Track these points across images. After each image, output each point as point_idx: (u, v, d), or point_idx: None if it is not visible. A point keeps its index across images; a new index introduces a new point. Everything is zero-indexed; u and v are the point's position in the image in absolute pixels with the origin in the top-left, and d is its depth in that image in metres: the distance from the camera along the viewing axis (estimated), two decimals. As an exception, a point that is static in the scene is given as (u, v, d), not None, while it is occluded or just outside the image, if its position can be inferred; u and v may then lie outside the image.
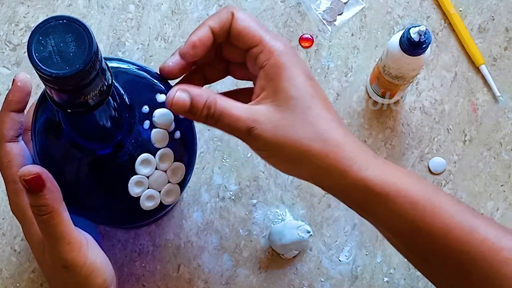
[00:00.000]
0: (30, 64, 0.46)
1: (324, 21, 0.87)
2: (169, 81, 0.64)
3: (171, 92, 0.60)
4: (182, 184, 0.66)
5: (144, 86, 0.63)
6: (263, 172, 0.83)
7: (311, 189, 0.82)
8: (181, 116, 0.64)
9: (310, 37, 0.87)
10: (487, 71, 0.86)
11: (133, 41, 0.86)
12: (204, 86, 0.66)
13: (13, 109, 0.63)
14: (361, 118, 0.85)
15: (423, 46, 0.73)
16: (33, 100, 0.83)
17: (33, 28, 0.47)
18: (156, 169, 0.63)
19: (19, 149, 0.62)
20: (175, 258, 0.80)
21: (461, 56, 0.87)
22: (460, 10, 0.88)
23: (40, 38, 0.46)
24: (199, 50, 0.61)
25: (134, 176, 0.62)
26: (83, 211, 0.63)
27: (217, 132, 0.83)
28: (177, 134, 0.64)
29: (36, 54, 0.46)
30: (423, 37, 0.73)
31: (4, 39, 0.85)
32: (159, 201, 0.64)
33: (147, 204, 0.63)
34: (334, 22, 0.87)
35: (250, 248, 0.81)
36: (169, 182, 0.64)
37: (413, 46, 0.73)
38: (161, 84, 0.64)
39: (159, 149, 0.63)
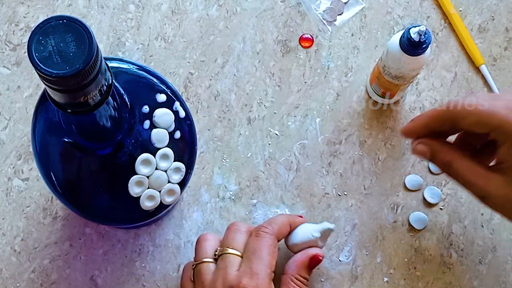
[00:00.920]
0: (30, 64, 0.46)
1: (324, 21, 0.87)
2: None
3: (414, 143, 0.70)
4: (182, 184, 0.66)
5: (144, 86, 0.63)
6: (263, 172, 0.83)
7: (311, 189, 0.82)
8: (181, 116, 0.64)
9: (310, 37, 0.87)
10: (487, 71, 0.86)
11: (133, 41, 0.86)
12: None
13: None
14: (361, 118, 0.85)
15: (423, 46, 0.73)
16: (33, 100, 0.83)
17: (33, 28, 0.47)
18: (156, 169, 0.63)
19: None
20: (175, 258, 0.80)
21: (461, 56, 0.87)
22: (460, 10, 0.88)
23: (40, 38, 0.46)
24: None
25: (134, 176, 0.62)
26: (83, 211, 0.63)
27: (217, 132, 0.83)
28: (177, 134, 0.64)
29: (36, 54, 0.46)
30: (423, 37, 0.73)
31: (4, 39, 0.85)
32: (159, 201, 0.64)
33: (147, 204, 0.63)
34: (334, 22, 0.87)
35: (250, 248, 0.81)
36: (169, 182, 0.64)
37: (413, 46, 0.73)
38: (161, 84, 0.64)
39: (159, 149, 0.63)
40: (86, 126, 0.56)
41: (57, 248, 0.79)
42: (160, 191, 0.64)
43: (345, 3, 0.88)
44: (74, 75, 0.46)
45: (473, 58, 0.86)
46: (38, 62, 0.45)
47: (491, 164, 0.68)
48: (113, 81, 0.52)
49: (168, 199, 0.65)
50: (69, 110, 0.50)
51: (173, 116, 0.63)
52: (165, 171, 0.64)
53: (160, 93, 0.63)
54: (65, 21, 0.47)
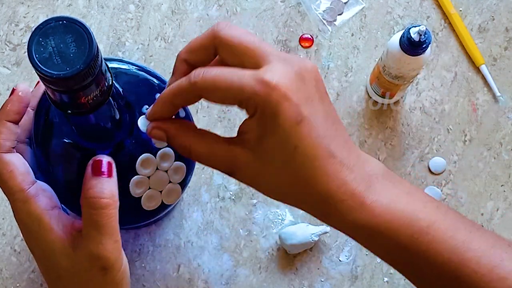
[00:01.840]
0: (30, 64, 0.46)
1: (324, 21, 0.87)
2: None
3: (149, 126, 0.58)
4: (183, 184, 0.66)
5: (144, 86, 0.63)
6: (263, 172, 0.83)
7: (311, 189, 0.82)
8: (181, 115, 0.64)
9: (310, 37, 0.87)
10: (487, 71, 0.86)
11: (133, 41, 0.86)
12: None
13: (11, 119, 0.60)
14: (361, 118, 0.85)
15: (423, 46, 0.73)
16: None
17: (33, 29, 0.47)
18: (157, 169, 0.63)
19: (18, 159, 0.60)
20: (175, 258, 0.80)
21: (461, 56, 0.87)
22: (460, 10, 0.88)
23: (40, 39, 0.46)
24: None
25: (135, 177, 0.62)
26: None
27: (217, 132, 0.82)
28: (177, 134, 0.64)
29: (37, 55, 0.46)
30: (423, 37, 0.73)
31: (4, 39, 0.85)
32: (160, 201, 0.64)
33: (148, 204, 0.63)
34: (334, 22, 0.87)
35: (250, 248, 0.81)
36: (170, 182, 0.64)
37: (413, 46, 0.73)
38: (161, 84, 0.64)
39: (160, 149, 0.63)
40: (86, 127, 0.56)
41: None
42: (161, 191, 0.64)
43: (345, 3, 0.88)
44: (75, 76, 0.46)
45: (473, 58, 0.86)
46: (39, 63, 0.45)
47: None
48: (113, 81, 0.52)
49: (169, 199, 0.65)
50: (69, 111, 0.50)
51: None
52: (166, 171, 0.64)
53: (160, 93, 0.63)
54: (65, 22, 0.47)
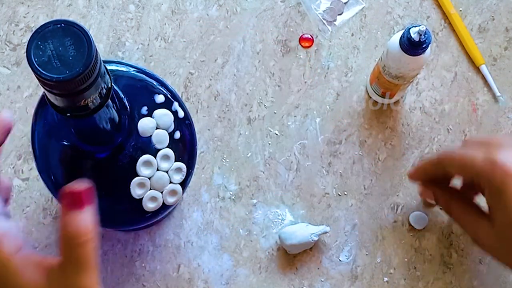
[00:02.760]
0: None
1: (324, 21, 0.87)
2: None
3: (419, 188, 0.80)
4: (184, 184, 0.66)
5: (143, 88, 0.63)
6: (263, 172, 0.83)
7: (311, 189, 0.82)
8: (180, 116, 0.64)
9: (310, 37, 0.87)
10: (487, 71, 0.86)
11: (133, 41, 0.86)
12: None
13: None
14: (361, 118, 0.85)
15: (423, 46, 0.73)
16: (33, 100, 0.83)
17: (31, 34, 0.47)
18: (157, 170, 0.63)
19: None
20: (175, 258, 0.80)
21: (461, 56, 0.87)
22: (460, 10, 0.88)
23: (39, 43, 0.46)
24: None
25: (136, 178, 0.62)
26: None
27: (217, 132, 0.83)
28: (177, 134, 0.64)
29: (36, 59, 0.46)
30: (423, 37, 0.73)
31: (4, 39, 0.85)
32: (162, 202, 0.64)
33: (149, 205, 0.63)
34: (334, 22, 0.87)
35: (250, 248, 0.81)
36: (171, 182, 0.64)
37: (413, 46, 0.73)
38: (159, 85, 0.64)
39: (160, 149, 0.63)
40: (86, 130, 0.56)
41: (57, 248, 0.79)
42: (162, 192, 0.64)
43: (345, 3, 0.88)
44: (74, 79, 0.46)
45: (473, 58, 0.86)
46: (38, 67, 0.45)
47: None
48: (112, 84, 0.52)
49: (170, 200, 0.65)
50: (69, 114, 0.50)
51: (172, 116, 0.63)
52: (167, 172, 0.64)
53: (158, 94, 0.63)
54: (63, 25, 0.47)
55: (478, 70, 0.86)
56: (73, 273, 0.54)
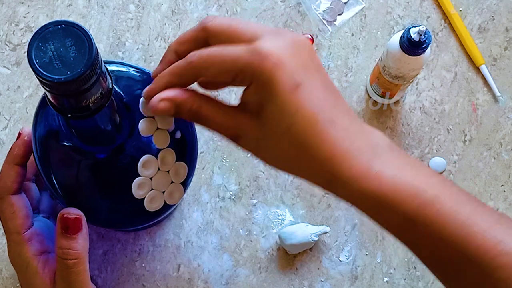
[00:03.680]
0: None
1: (324, 21, 0.87)
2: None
3: (154, 100, 0.57)
4: (185, 184, 0.66)
5: (143, 88, 0.63)
6: (263, 172, 0.83)
7: (311, 189, 0.82)
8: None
9: (310, 37, 0.87)
10: (487, 71, 0.86)
11: (133, 41, 0.86)
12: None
13: (18, 162, 0.66)
14: (361, 118, 0.85)
15: (423, 46, 0.73)
16: (33, 100, 0.83)
17: (32, 34, 0.47)
18: (158, 169, 0.63)
19: (23, 202, 0.66)
20: (175, 258, 0.80)
21: (461, 56, 0.87)
22: (460, 10, 0.88)
23: (40, 44, 0.46)
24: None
25: (137, 178, 0.62)
26: (87, 215, 0.63)
27: (217, 132, 0.83)
28: (178, 134, 0.64)
29: (37, 60, 0.46)
30: (423, 37, 0.73)
31: (4, 39, 0.85)
32: (163, 202, 0.64)
33: (151, 206, 0.63)
34: (334, 22, 0.87)
35: (250, 248, 0.81)
36: (172, 182, 0.64)
37: (413, 46, 0.73)
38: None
39: (161, 149, 0.63)
40: (87, 130, 0.56)
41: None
42: (163, 192, 0.64)
43: (345, 3, 0.88)
44: (76, 80, 0.46)
45: (473, 58, 0.86)
46: (39, 68, 0.45)
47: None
48: (113, 84, 0.52)
49: (172, 199, 0.65)
50: (70, 115, 0.50)
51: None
52: (168, 171, 0.64)
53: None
54: (63, 25, 0.47)
55: (478, 70, 0.86)
56: None
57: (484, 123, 0.85)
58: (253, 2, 0.88)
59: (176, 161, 0.64)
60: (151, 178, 0.62)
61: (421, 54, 0.74)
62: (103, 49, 0.85)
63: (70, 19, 0.84)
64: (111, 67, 0.62)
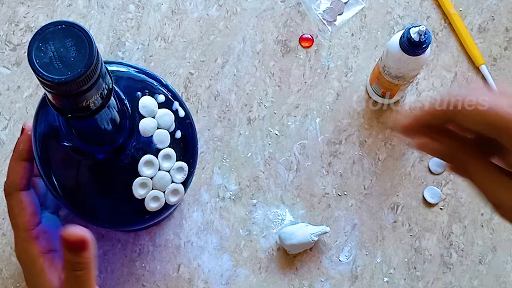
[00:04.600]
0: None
1: (324, 21, 0.87)
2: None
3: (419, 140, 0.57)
4: (186, 183, 0.66)
5: (143, 88, 0.63)
6: (263, 172, 0.83)
7: (311, 189, 0.82)
8: (181, 116, 0.64)
9: (310, 37, 0.87)
10: (487, 71, 0.86)
11: (133, 41, 0.86)
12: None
13: (25, 158, 0.65)
14: (361, 118, 0.85)
15: (423, 46, 0.73)
16: (33, 100, 0.83)
17: (32, 35, 0.47)
18: (159, 169, 0.63)
19: (31, 198, 0.66)
20: (175, 258, 0.80)
21: (461, 56, 0.87)
22: (460, 10, 0.88)
23: (40, 44, 0.46)
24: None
25: (138, 178, 0.62)
26: (88, 216, 0.63)
27: (217, 132, 0.83)
28: (178, 134, 0.64)
29: (37, 61, 0.46)
30: (423, 37, 0.73)
31: (4, 39, 0.85)
32: (164, 201, 0.64)
33: (152, 205, 0.64)
34: (334, 22, 0.87)
35: (250, 248, 0.81)
36: (172, 182, 0.64)
37: (413, 46, 0.73)
38: (160, 85, 0.64)
39: (161, 149, 0.63)
40: (87, 131, 0.56)
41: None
42: (164, 192, 0.64)
43: (345, 3, 0.88)
44: (76, 80, 0.46)
45: (473, 58, 0.86)
46: (40, 69, 0.45)
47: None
48: (113, 85, 0.52)
49: (172, 199, 0.65)
50: (70, 115, 0.50)
51: (173, 116, 0.63)
52: (168, 171, 0.64)
53: (159, 94, 0.63)
54: (63, 26, 0.47)
55: (478, 70, 0.86)
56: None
57: (484, 123, 0.85)
58: (253, 2, 0.88)
59: (176, 161, 0.64)
60: (151, 178, 0.63)
61: (421, 54, 0.74)
62: (103, 49, 0.85)
63: (70, 19, 0.84)
64: (111, 67, 0.62)
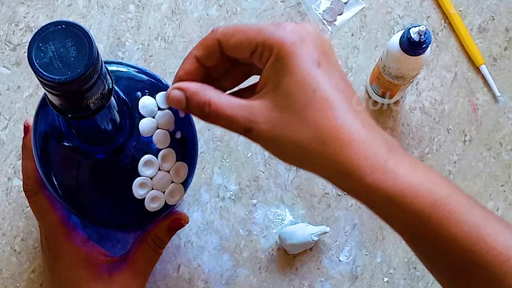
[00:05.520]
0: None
1: (324, 21, 0.87)
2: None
3: (169, 89, 0.59)
4: (186, 183, 0.66)
5: (143, 89, 0.63)
6: (263, 172, 0.83)
7: (311, 189, 0.82)
8: (181, 115, 0.64)
9: (310, 37, 0.86)
10: (487, 71, 0.86)
11: (133, 41, 0.86)
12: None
13: None
14: (361, 118, 0.84)
15: (423, 46, 0.73)
16: (33, 100, 0.83)
17: (32, 35, 0.47)
18: (159, 169, 0.63)
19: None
20: (175, 258, 0.80)
21: (461, 56, 0.87)
22: (460, 10, 0.88)
23: (40, 44, 0.46)
24: (189, 80, 0.59)
25: (138, 178, 0.62)
26: (88, 216, 0.63)
27: (217, 132, 0.83)
28: (178, 134, 0.64)
29: (37, 61, 0.46)
30: (423, 37, 0.73)
31: (4, 39, 0.85)
32: (164, 202, 0.64)
33: (152, 205, 0.63)
34: (334, 22, 0.87)
35: (250, 248, 0.81)
36: (172, 182, 0.64)
37: (413, 46, 0.73)
38: (160, 85, 0.64)
39: (161, 149, 0.63)
40: (87, 131, 0.56)
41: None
42: (164, 192, 0.64)
43: (345, 3, 0.88)
44: (76, 80, 0.46)
45: (473, 58, 0.86)
46: (40, 69, 0.45)
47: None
48: (113, 85, 0.52)
49: (172, 199, 0.65)
50: (70, 115, 0.50)
51: (173, 116, 0.63)
52: (168, 171, 0.64)
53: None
54: (63, 26, 0.47)
55: (478, 70, 0.86)
56: (137, 273, 0.70)
57: (484, 123, 0.85)
58: (253, 2, 0.88)
59: (176, 161, 0.64)
60: (151, 178, 0.63)
61: (421, 54, 0.74)
62: (103, 49, 0.85)
63: (70, 19, 0.84)
64: (111, 67, 0.62)
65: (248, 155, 0.83)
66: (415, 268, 0.81)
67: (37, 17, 0.86)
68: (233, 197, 0.82)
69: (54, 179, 0.61)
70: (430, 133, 0.85)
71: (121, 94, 0.58)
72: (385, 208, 0.54)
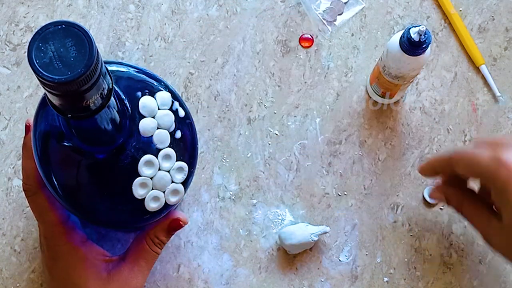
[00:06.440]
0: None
1: (324, 21, 0.87)
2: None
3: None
4: (186, 183, 0.66)
5: (143, 89, 0.63)
6: (263, 172, 0.83)
7: (311, 189, 0.82)
8: (181, 116, 0.64)
9: (310, 37, 0.87)
10: (487, 71, 0.86)
11: (133, 41, 0.86)
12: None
13: None
14: (361, 118, 0.85)
15: (423, 46, 0.73)
16: (33, 100, 0.83)
17: (32, 34, 0.47)
18: (159, 169, 0.63)
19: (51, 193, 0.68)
20: (175, 258, 0.80)
21: (461, 56, 0.87)
22: (460, 10, 0.88)
23: (40, 44, 0.46)
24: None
25: (138, 178, 0.62)
26: (88, 216, 0.63)
27: (217, 132, 0.83)
28: (178, 134, 0.64)
29: (37, 61, 0.46)
30: (423, 37, 0.73)
31: (4, 39, 0.85)
32: (164, 201, 0.64)
33: (152, 205, 0.64)
34: (334, 22, 0.87)
35: (250, 248, 0.81)
36: (172, 182, 0.64)
37: (413, 46, 0.73)
38: (160, 85, 0.64)
39: (161, 149, 0.63)
40: (87, 131, 0.56)
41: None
42: (164, 192, 0.64)
43: (345, 3, 0.88)
44: (76, 80, 0.46)
45: (473, 58, 0.86)
46: (40, 69, 0.45)
47: None
48: (113, 85, 0.52)
49: (172, 199, 0.65)
50: (70, 115, 0.50)
51: (173, 116, 0.63)
52: (168, 171, 0.64)
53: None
54: (63, 26, 0.47)
55: (478, 70, 0.86)
56: (134, 269, 0.70)
57: (484, 123, 0.85)
58: (253, 2, 0.88)
59: (176, 161, 0.64)
60: (151, 178, 0.63)
61: (421, 54, 0.74)
62: (103, 49, 0.85)
63: (70, 19, 0.84)
64: (111, 67, 0.62)
65: (248, 155, 0.83)
66: (415, 268, 0.81)
67: (37, 17, 0.86)
68: (233, 197, 0.82)
69: (54, 179, 0.61)
70: (430, 133, 0.85)
71: (121, 94, 0.58)
72: None
